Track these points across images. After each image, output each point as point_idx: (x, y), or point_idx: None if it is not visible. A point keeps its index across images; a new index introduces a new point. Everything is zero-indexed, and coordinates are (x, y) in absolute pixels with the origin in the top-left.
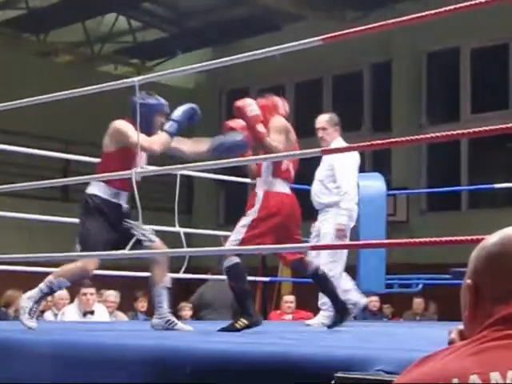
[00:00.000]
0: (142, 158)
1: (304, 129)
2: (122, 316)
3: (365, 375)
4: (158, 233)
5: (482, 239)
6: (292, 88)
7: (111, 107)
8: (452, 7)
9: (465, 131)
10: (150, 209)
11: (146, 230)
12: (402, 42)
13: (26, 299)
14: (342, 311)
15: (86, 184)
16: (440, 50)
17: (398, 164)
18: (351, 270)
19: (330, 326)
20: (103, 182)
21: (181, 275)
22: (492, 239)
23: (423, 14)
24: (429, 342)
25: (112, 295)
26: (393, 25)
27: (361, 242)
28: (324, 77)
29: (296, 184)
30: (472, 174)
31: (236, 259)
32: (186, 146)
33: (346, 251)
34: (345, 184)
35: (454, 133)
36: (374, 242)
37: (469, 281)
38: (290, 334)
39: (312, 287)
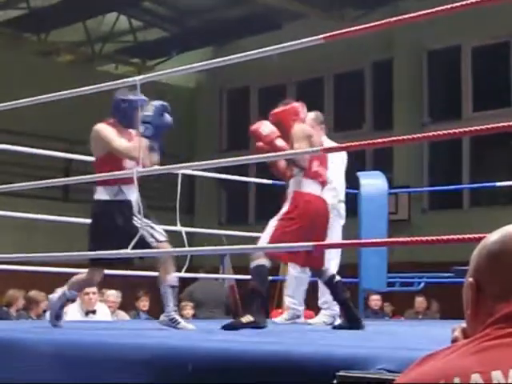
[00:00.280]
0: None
1: None
2: (123, 315)
3: (366, 374)
4: None
5: (484, 237)
6: (293, 87)
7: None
8: (453, 5)
9: (466, 129)
10: (150, 208)
11: (155, 230)
12: (403, 40)
13: (52, 305)
14: (352, 321)
15: (87, 184)
16: (441, 48)
17: (399, 162)
18: (353, 268)
19: (335, 327)
20: (101, 185)
21: (183, 274)
22: (493, 237)
23: (424, 12)
24: (431, 340)
25: (113, 295)
26: (394, 23)
27: (362, 241)
28: (325, 76)
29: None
30: (474, 172)
31: (264, 261)
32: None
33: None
34: (334, 180)
35: (456, 131)
36: (376, 240)
37: (470, 279)
38: (291, 332)
39: (313, 286)
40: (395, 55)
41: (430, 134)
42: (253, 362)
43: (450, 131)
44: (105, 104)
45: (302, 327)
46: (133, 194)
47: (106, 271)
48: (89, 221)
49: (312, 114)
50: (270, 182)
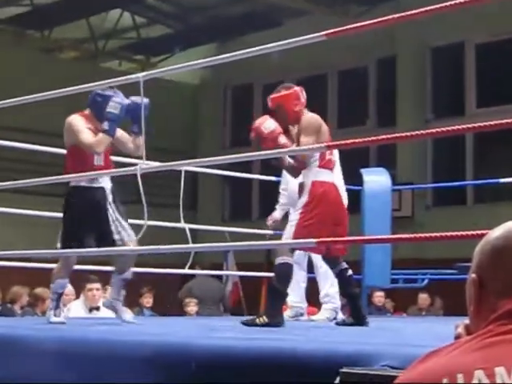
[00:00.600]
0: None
1: None
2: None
3: (370, 370)
4: (162, 229)
5: (488, 234)
6: (296, 84)
7: None
8: (457, 2)
9: (470, 126)
10: (153, 204)
11: (123, 229)
12: (406, 37)
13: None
14: (357, 318)
15: None
16: (445, 45)
17: (403, 159)
18: (356, 265)
19: (338, 324)
20: (75, 173)
21: (186, 271)
22: (495, 233)
23: (428, 8)
24: (434, 337)
25: None
26: (398, 19)
27: (366, 237)
28: (329, 72)
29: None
30: (477, 169)
31: (287, 259)
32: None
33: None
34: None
35: (460, 127)
36: (380, 237)
37: (473, 275)
38: (295, 329)
39: (317, 283)
40: (399, 52)
41: (434, 130)
42: (256, 359)
43: (453, 128)
44: None
45: (305, 324)
46: (106, 182)
47: (110, 268)
48: None
49: None
50: (273, 178)
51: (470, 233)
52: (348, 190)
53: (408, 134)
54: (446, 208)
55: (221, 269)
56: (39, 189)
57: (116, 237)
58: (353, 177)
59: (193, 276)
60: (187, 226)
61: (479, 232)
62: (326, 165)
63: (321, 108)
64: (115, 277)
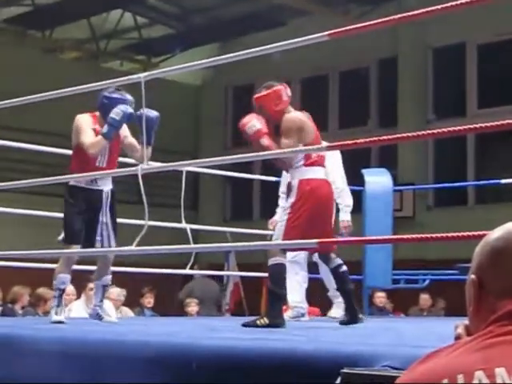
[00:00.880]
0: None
1: None
2: (128, 312)
3: (371, 371)
4: (163, 229)
5: (487, 235)
6: (298, 84)
7: None
8: (459, 2)
9: (471, 126)
10: (155, 205)
11: (111, 238)
12: (408, 37)
13: (52, 302)
14: (351, 315)
15: None
16: (446, 46)
17: (404, 159)
18: (358, 265)
19: (341, 323)
20: (79, 173)
21: (187, 271)
22: (495, 234)
23: (430, 9)
24: (435, 337)
25: (116, 292)
26: (399, 20)
27: (367, 238)
28: (330, 73)
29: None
30: (479, 170)
31: (280, 259)
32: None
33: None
34: (340, 182)
35: (461, 128)
36: (381, 237)
37: (473, 276)
38: (295, 330)
39: (318, 283)
40: (400, 52)
41: (435, 131)
42: (257, 360)
43: (454, 128)
44: None
45: (306, 324)
46: (106, 185)
47: (113, 268)
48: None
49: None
50: (274, 178)
51: (471, 233)
52: (349, 191)
53: (409, 134)
54: (448, 208)
55: (219, 269)
56: (41, 189)
57: (98, 238)
58: (354, 177)
59: (192, 276)
60: (188, 227)
61: (480, 233)
62: (314, 162)
63: (322, 108)
64: (96, 283)
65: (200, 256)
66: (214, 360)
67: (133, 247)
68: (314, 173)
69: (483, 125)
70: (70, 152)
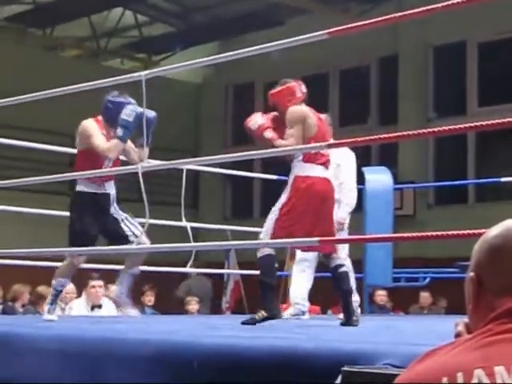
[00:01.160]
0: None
1: None
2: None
3: (371, 369)
4: (164, 227)
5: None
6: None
7: None
8: (459, 0)
9: (472, 124)
10: (152, 203)
11: (132, 224)
12: (408, 35)
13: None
14: (347, 316)
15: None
16: (447, 44)
17: (404, 158)
18: (358, 264)
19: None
20: (86, 178)
21: (188, 269)
22: (493, 232)
23: (430, 7)
24: (436, 335)
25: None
26: (400, 18)
27: (368, 236)
28: (331, 71)
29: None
30: (479, 168)
31: (268, 251)
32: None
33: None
34: (351, 182)
35: (461, 126)
36: (381, 235)
37: (471, 274)
38: (296, 328)
39: (318, 282)
40: (400, 51)
41: (436, 129)
42: (258, 358)
43: (455, 126)
44: None
45: (306, 322)
46: (112, 189)
47: (112, 266)
48: None
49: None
50: (274, 176)
51: (471, 232)
52: (356, 192)
53: (410, 132)
54: (448, 207)
55: (219, 267)
56: (41, 187)
57: (128, 233)
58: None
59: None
60: (189, 225)
61: (480, 231)
62: (312, 159)
63: (323, 107)
64: (125, 272)
65: (200, 254)
66: (215, 358)
67: (133, 245)
68: (313, 170)
69: (484, 123)
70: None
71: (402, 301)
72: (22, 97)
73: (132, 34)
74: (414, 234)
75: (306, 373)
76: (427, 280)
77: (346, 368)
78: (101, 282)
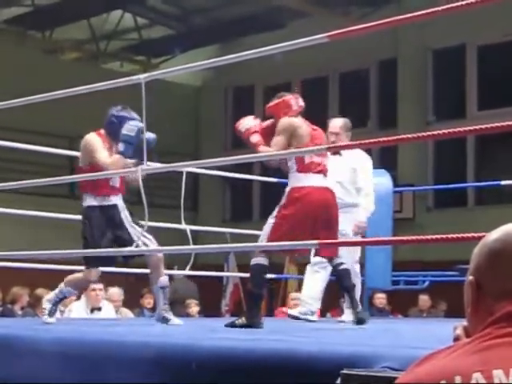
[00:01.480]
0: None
1: None
2: (127, 313)
3: (370, 372)
4: (163, 230)
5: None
6: (298, 85)
7: (117, 104)
8: (459, 4)
9: (471, 128)
10: (152, 205)
11: (147, 239)
12: (408, 39)
13: (47, 301)
14: (354, 312)
15: None
16: (446, 47)
17: (404, 161)
18: None
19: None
20: (91, 193)
21: (187, 272)
22: (493, 236)
23: (430, 10)
24: (435, 339)
25: (115, 293)
26: (400, 21)
27: (367, 239)
28: (330, 74)
29: None
30: (478, 171)
31: (260, 260)
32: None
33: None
34: (368, 186)
35: (461, 130)
36: (381, 239)
37: (471, 277)
38: (296, 331)
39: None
40: (400, 54)
41: (435, 132)
42: (257, 361)
43: (454, 130)
44: (110, 102)
45: (305, 325)
46: (119, 201)
47: (111, 269)
48: None
49: (340, 121)
50: (274, 179)
51: (470, 235)
52: (373, 197)
53: (409, 135)
54: (447, 210)
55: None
56: (40, 190)
57: (139, 243)
58: None
59: (194, 277)
60: (188, 228)
61: (480, 234)
62: (307, 169)
63: (322, 110)
64: (155, 287)
65: (199, 257)
66: (214, 361)
67: (133, 248)
68: (308, 180)
69: (483, 126)
70: (68, 152)
71: (401, 304)
72: (21, 99)
73: (131, 37)
74: (414, 237)
75: (305, 376)
76: (426, 283)
77: (344, 371)
78: (101, 285)
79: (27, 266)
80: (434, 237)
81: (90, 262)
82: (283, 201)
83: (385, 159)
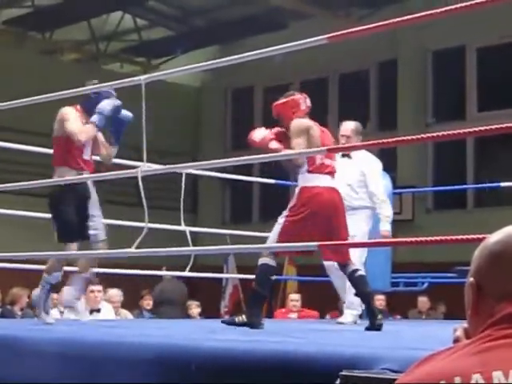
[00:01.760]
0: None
1: None
2: (126, 314)
3: (370, 374)
4: (163, 231)
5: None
6: (298, 87)
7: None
8: (459, 6)
9: (471, 130)
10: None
11: (99, 228)
12: (407, 40)
13: (37, 300)
14: (371, 318)
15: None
16: (446, 49)
17: (403, 162)
18: None
19: (367, 329)
20: (65, 165)
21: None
22: (494, 238)
23: (430, 12)
24: (434, 340)
25: (116, 296)
26: (399, 23)
27: (366, 241)
28: (330, 75)
29: None
30: (478, 173)
31: (267, 260)
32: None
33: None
34: (381, 192)
35: (460, 131)
36: (380, 240)
37: (471, 279)
38: (295, 332)
39: (317, 286)
40: (400, 55)
41: (435, 134)
42: (256, 362)
43: (454, 131)
44: None
45: (304, 326)
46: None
47: (110, 270)
48: None
49: (352, 125)
50: (273, 181)
51: (470, 237)
52: (390, 202)
53: (409, 137)
54: (447, 212)
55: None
56: (39, 190)
57: (92, 232)
58: None
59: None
60: (188, 229)
61: (479, 236)
62: (318, 169)
63: (322, 111)
64: (78, 276)
65: (198, 258)
66: (214, 362)
67: (132, 249)
68: (319, 180)
69: (482, 128)
70: None
71: (401, 305)
72: (20, 100)
73: (131, 38)
74: (413, 239)
75: (304, 377)
76: (425, 285)
77: (344, 372)
78: (100, 287)
79: (27, 267)
80: (433, 238)
81: (64, 237)
82: (294, 201)
83: (384, 161)
